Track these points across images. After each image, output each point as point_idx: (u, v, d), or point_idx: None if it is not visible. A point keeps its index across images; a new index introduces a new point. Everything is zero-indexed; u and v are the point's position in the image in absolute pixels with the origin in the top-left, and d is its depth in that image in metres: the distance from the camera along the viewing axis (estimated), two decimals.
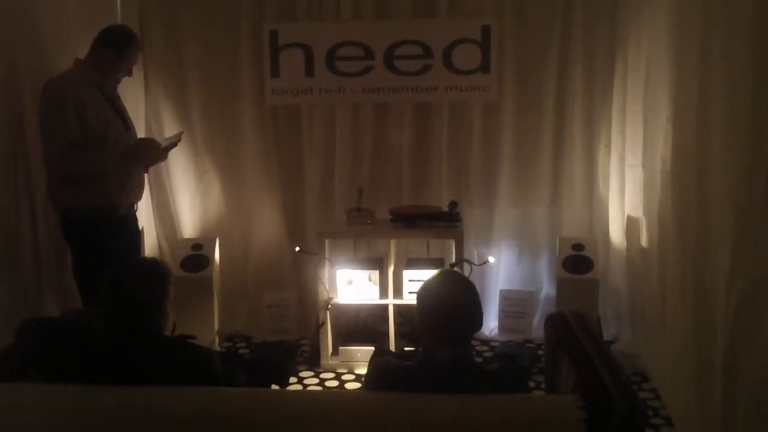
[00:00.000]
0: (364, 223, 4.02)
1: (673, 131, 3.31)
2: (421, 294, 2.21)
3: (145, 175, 3.63)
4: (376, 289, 4.00)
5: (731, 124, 2.59)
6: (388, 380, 2.16)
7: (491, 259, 4.24)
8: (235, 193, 4.57)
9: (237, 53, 4.39)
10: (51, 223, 3.45)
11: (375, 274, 4.00)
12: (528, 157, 4.40)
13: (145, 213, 4.28)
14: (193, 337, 2.38)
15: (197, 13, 4.39)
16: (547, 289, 4.46)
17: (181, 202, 4.58)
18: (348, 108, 4.42)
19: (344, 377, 3.95)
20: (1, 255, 3.17)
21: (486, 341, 4.33)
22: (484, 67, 4.21)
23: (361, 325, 4.28)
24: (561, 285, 3.98)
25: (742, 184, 2.47)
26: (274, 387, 2.75)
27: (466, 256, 3.88)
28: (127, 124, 3.50)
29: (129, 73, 3.49)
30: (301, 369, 4.00)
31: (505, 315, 4.34)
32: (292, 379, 3.78)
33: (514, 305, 4.33)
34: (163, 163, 3.99)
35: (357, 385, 3.85)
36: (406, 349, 3.81)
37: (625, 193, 4.07)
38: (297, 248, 4.21)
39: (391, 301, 4.01)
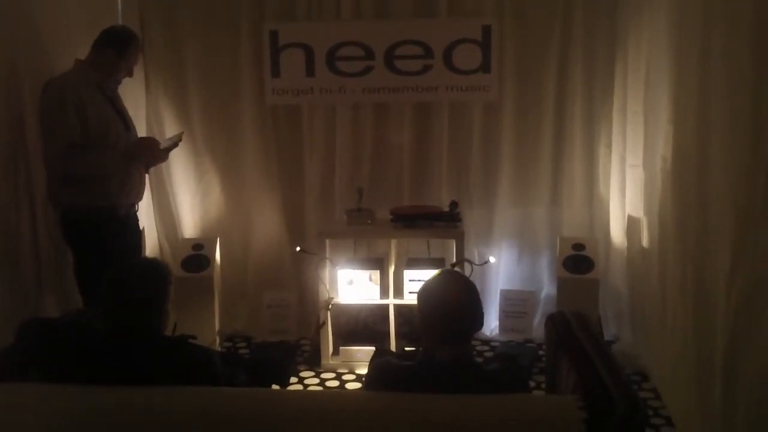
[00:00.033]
0: (365, 223, 4.02)
1: (673, 131, 3.31)
2: (422, 294, 2.20)
3: (146, 175, 3.64)
4: (377, 289, 4.00)
5: (731, 124, 2.59)
6: (388, 380, 2.16)
7: (492, 259, 4.24)
8: (236, 193, 4.57)
9: (237, 53, 4.39)
10: (51, 223, 3.45)
11: (375, 274, 4.00)
12: (528, 157, 4.40)
13: (145, 213, 4.28)
14: (194, 337, 2.37)
15: (197, 13, 4.39)
16: (547, 289, 4.47)
17: (181, 202, 4.58)
18: (348, 108, 4.42)
19: (345, 377, 3.95)
20: (1, 255, 3.17)
21: (486, 341, 4.33)
22: (485, 67, 4.21)
23: (362, 325, 4.27)
24: (561, 285, 3.98)
25: (742, 184, 2.47)
26: (275, 387, 2.75)
27: (466, 256, 3.88)
28: (127, 125, 3.50)
29: (130, 74, 3.49)
30: (301, 369, 4.00)
31: (505, 315, 4.34)
32: (293, 379, 3.78)
33: (515, 305, 4.34)
34: (163, 164, 3.98)
35: (357, 385, 3.85)
36: (406, 349, 3.81)
37: (625, 193, 4.06)
38: (297, 248, 4.21)
39: (391, 301, 4.01)
